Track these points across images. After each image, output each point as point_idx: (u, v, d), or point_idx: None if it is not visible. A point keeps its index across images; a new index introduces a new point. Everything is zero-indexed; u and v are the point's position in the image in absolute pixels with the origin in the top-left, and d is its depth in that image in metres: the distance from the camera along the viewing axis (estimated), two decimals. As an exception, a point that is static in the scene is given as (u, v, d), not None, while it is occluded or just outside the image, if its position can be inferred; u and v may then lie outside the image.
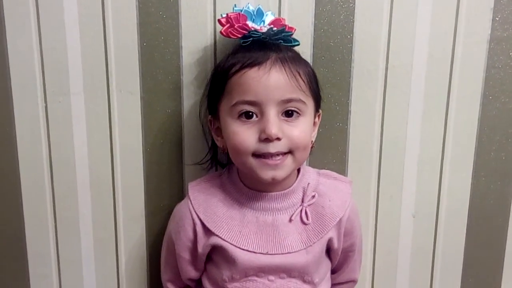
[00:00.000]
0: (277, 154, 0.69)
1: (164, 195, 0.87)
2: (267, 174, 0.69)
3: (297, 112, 0.70)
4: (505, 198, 0.89)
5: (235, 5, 0.75)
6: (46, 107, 0.83)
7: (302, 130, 0.70)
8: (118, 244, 0.89)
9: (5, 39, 0.80)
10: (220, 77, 0.71)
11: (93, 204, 0.87)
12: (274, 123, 0.67)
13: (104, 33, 0.80)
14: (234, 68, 0.69)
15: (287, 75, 0.68)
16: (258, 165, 0.69)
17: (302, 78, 0.70)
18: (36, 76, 0.81)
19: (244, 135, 0.69)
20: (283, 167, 0.70)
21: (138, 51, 0.81)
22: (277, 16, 0.78)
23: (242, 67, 0.68)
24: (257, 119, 0.69)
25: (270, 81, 0.67)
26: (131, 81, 0.82)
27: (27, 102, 0.82)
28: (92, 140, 0.84)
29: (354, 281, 0.85)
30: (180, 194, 0.86)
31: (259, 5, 0.75)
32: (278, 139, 0.68)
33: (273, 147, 0.68)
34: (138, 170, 0.86)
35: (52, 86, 0.82)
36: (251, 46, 0.71)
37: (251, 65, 0.68)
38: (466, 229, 0.90)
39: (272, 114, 0.68)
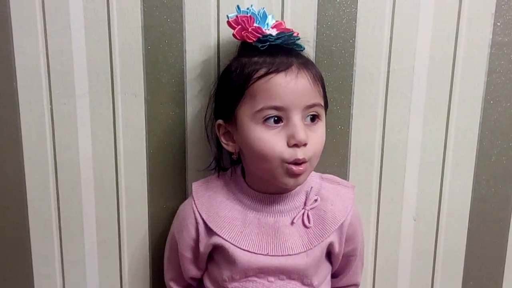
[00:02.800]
0: (304, 162, 0.68)
1: (167, 197, 0.87)
2: (290, 181, 0.69)
3: (318, 117, 0.71)
4: (506, 201, 0.89)
5: (238, 6, 0.74)
6: (51, 109, 0.84)
7: (321, 134, 0.71)
8: (121, 245, 0.90)
9: (12, 42, 0.81)
10: (240, 81, 0.69)
11: (97, 205, 0.88)
12: (302, 128, 0.68)
13: (109, 36, 0.81)
14: (258, 73, 0.68)
15: (311, 81, 0.69)
16: (282, 172, 0.69)
17: (320, 83, 0.71)
18: (41, 78, 0.82)
19: (272, 141, 0.68)
20: (304, 173, 0.70)
21: (143, 54, 0.81)
22: (279, 20, 0.79)
23: (268, 72, 0.68)
24: (282, 124, 0.69)
25: (298, 86, 0.67)
26: (136, 84, 0.83)
27: (33, 104, 0.83)
28: (96, 142, 0.85)
29: (356, 285, 0.85)
30: (183, 196, 0.87)
31: (263, 7, 0.75)
32: (305, 144, 0.68)
33: (301, 153, 0.68)
34: (142, 172, 0.86)
35: (57, 88, 0.83)
36: (269, 51, 0.70)
37: (278, 70, 0.68)
38: (467, 233, 0.90)
39: (299, 120, 0.68)
